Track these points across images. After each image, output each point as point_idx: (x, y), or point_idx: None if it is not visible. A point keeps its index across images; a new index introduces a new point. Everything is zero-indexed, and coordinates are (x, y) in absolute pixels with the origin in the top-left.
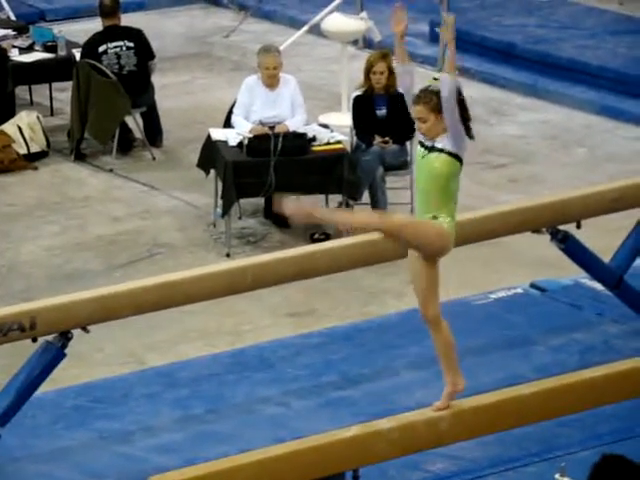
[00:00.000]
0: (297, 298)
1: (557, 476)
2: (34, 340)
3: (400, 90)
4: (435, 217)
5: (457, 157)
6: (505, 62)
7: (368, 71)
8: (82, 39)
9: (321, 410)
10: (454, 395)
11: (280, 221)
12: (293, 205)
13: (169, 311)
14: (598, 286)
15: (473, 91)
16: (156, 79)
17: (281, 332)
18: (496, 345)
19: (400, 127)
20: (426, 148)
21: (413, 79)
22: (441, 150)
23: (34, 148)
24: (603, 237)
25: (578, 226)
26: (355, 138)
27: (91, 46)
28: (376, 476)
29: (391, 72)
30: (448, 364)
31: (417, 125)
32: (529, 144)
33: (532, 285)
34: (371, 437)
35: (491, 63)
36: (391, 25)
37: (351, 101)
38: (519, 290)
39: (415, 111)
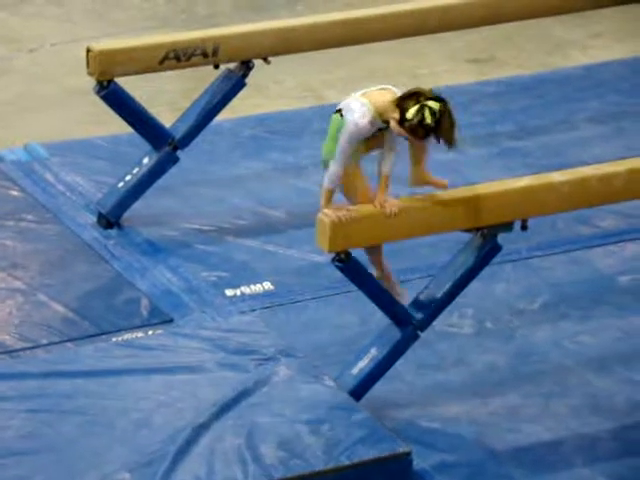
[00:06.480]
0: (479, 44)
1: None
2: (216, 67)
3: None
4: None
5: None
6: None
7: None
8: None
9: (494, 159)
10: None
11: None
12: None
13: (351, 49)
14: None
15: None
16: None
17: (458, 79)
18: None
19: None
20: None
21: None
22: None
23: None
24: None
25: None
26: None
27: None
28: (545, 227)
29: None
30: None
31: None
32: None
33: None
34: (543, 189)
35: None
36: None
37: None
38: None
39: None
